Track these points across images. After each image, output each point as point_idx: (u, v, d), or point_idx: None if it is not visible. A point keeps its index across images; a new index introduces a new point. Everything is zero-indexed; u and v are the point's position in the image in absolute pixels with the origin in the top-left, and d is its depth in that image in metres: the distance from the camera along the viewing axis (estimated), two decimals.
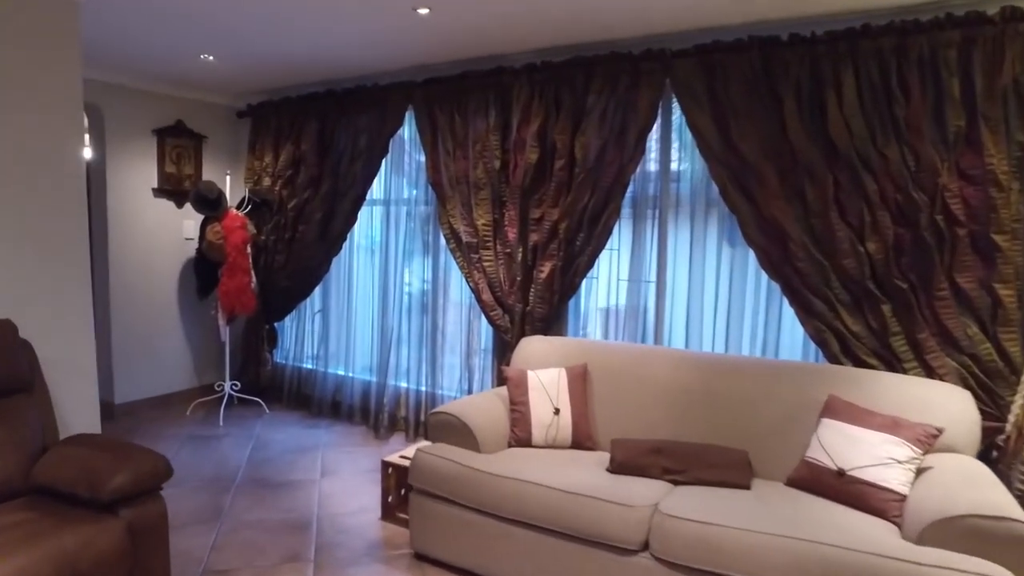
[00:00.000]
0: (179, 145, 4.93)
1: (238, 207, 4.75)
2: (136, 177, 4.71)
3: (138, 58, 4.06)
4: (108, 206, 4.57)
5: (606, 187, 3.51)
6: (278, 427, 4.60)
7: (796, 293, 3.09)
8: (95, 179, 4.61)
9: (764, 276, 3.27)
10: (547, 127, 3.66)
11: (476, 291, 3.95)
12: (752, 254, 3.24)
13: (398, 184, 4.53)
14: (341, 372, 4.87)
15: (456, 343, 4.31)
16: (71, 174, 2.82)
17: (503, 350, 3.93)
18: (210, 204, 4.52)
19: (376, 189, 4.57)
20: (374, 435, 4.47)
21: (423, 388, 4.42)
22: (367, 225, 4.80)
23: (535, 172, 3.67)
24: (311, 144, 4.64)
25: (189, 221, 4.99)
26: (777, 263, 3.12)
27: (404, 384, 4.52)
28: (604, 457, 2.86)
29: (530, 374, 3.11)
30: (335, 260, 4.76)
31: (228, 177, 4.82)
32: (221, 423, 4.62)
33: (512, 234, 3.77)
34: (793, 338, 3.30)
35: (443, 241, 4.15)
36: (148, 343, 4.86)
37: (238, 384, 5.01)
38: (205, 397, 5.06)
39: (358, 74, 4.39)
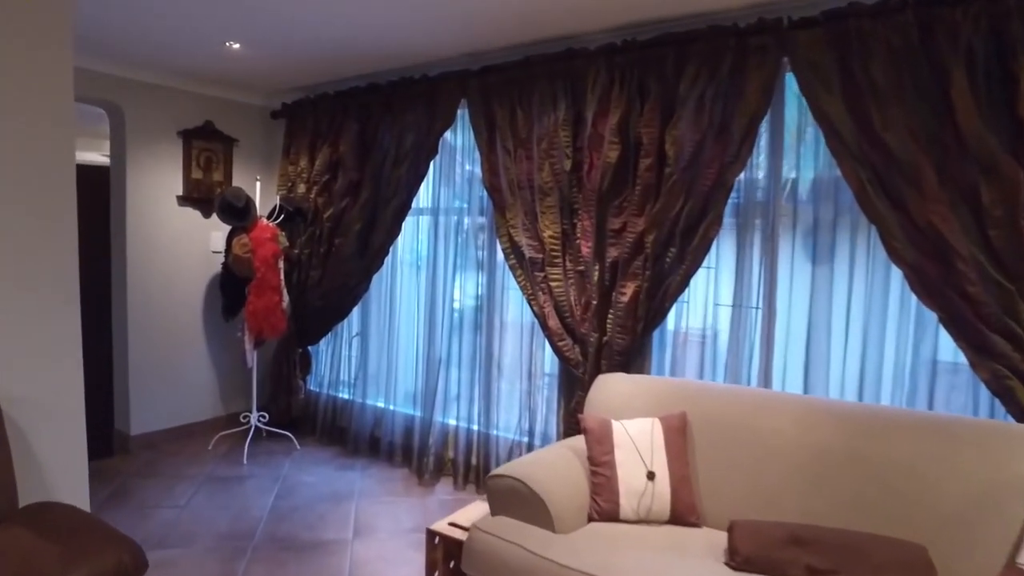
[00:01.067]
0: (208, 148, 4.45)
1: (269, 217, 4.24)
2: (159, 184, 4.24)
3: (159, 48, 3.59)
4: (128, 215, 4.11)
5: (704, 192, 2.85)
6: (308, 467, 4.03)
7: (964, 326, 2.37)
8: (114, 185, 4.16)
9: (912, 302, 2.56)
10: (629, 119, 3.02)
11: (541, 316, 3.32)
12: (897, 274, 2.54)
13: (448, 191, 3.94)
14: (381, 404, 4.29)
15: (514, 376, 3.68)
16: (59, 182, 2.30)
17: (571, 386, 3.28)
18: (237, 213, 4.02)
19: (423, 196, 4.00)
20: (417, 480, 3.86)
21: (475, 427, 3.79)
22: (412, 238, 4.23)
23: (615, 174, 3.04)
24: (350, 146, 4.10)
25: (217, 233, 4.50)
26: (935, 285, 2.41)
27: (452, 421, 3.91)
28: (715, 539, 2.19)
29: (615, 425, 2.46)
30: (376, 277, 4.19)
31: (258, 183, 4.32)
32: (245, 460, 4.08)
33: (586, 248, 3.13)
34: (954, 384, 2.57)
35: (500, 256, 3.54)
36: (169, 368, 4.37)
37: (266, 416, 4.47)
38: (230, 429, 4.54)
39: (404, 64, 3.83)
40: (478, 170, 3.63)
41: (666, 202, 2.89)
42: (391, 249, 4.08)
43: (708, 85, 2.83)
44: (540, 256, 3.29)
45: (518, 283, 3.41)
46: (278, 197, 4.38)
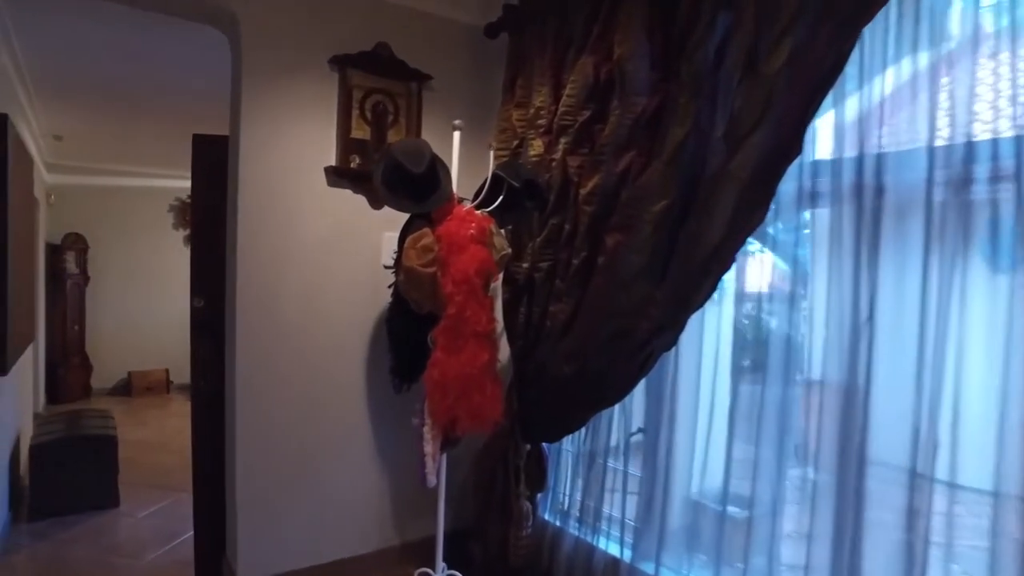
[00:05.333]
0: (379, 90, 2.58)
1: (476, 201, 2.21)
2: (296, 150, 2.43)
3: None
4: (240, 204, 2.34)
5: None
6: None
7: None
8: (230, 159, 2.43)
9: None
10: None
11: None
12: None
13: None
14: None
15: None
16: None
17: None
18: (415, 186, 2.03)
19: (826, 132, 1.69)
20: None
21: None
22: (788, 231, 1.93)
23: None
24: (637, 41, 1.93)
25: (394, 235, 2.58)
26: None
27: None
28: None
29: None
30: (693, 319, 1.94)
31: (457, 134, 2.28)
32: None
33: None
34: None
35: None
36: (301, 470, 2.50)
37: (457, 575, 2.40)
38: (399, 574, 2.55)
39: None
40: None
41: None
42: (737, 256, 1.80)
43: None
44: None
45: None
46: (492, 165, 2.32)
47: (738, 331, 2.07)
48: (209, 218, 2.78)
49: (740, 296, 2.02)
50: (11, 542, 3.48)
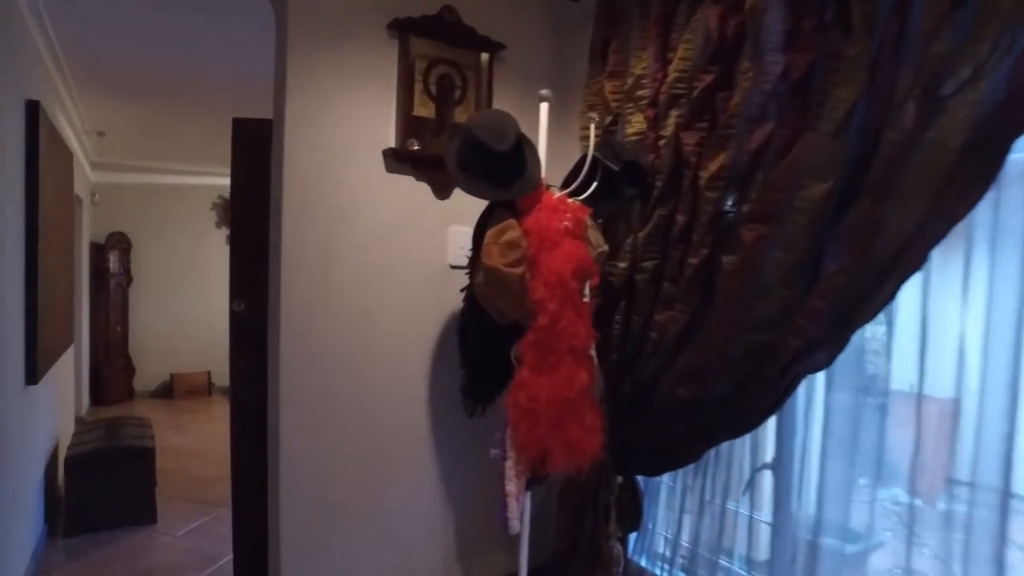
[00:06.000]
0: (445, 60, 2.21)
1: (567, 188, 1.82)
2: (348, 129, 2.08)
3: None
4: (284, 194, 1.99)
5: None
6: None
7: None
8: (274, 142, 2.09)
9: None
10: None
11: None
12: None
13: None
14: None
15: None
16: None
17: None
18: (495, 169, 1.66)
19: None
20: None
21: None
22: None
23: None
24: None
25: (461, 228, 2.22)
26: None
27: None
28: None
29: None
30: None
31: (544, 106, 1.88)
32: None
33: None
34: None
35: None
36: (355, 499, 2.15)
37: None
38: None
39: None
40: None
41: None
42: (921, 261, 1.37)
43: None
44: None
45: None
46: (586, 144, 1.93)
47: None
48: (251, 212, 2.46)
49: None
50: (46, 561, 3.25)
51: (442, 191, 2.20)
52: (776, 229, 1.49)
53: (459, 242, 2.20)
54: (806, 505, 1.77)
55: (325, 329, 2.06)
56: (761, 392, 1.58)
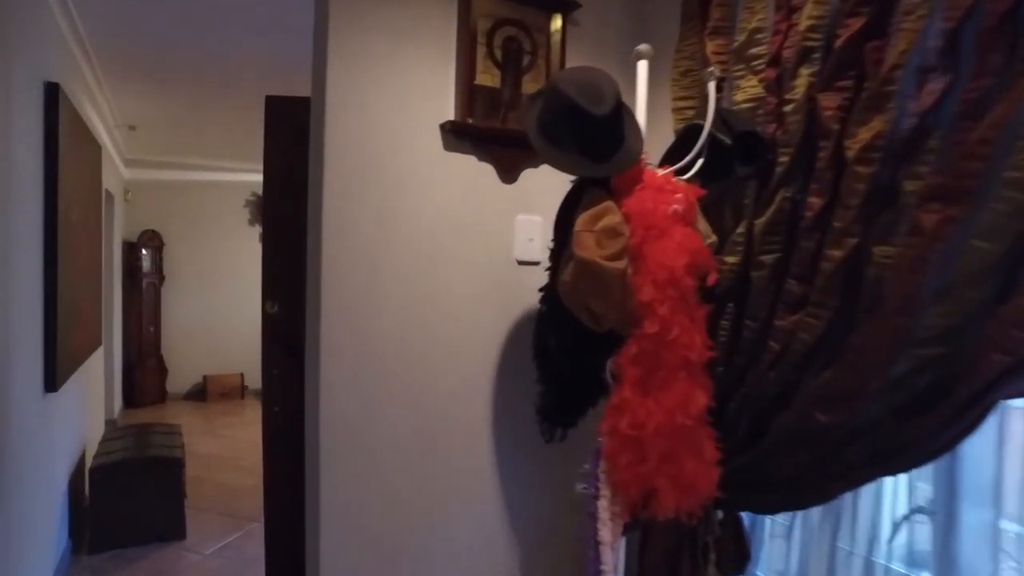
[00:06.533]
0: (512, 20, 1.88)
1: (673, 164, 1.48)
2: (399, 100, 1.76)
3: None
4: (325, 178, 1.69)
5: None
6: None
7: None
8: (314, 121, 1.79)
9: None
10: None
11: None
12: None
13: None
14: None
15: None
16: None
17: None
18: (592, 134, 1.33)
19: None
20: None
21: None
22: None
23: None
24: None
25: (530, 218, 1.89)
26: None
27: None
28: None
29: None
30: None
31: (643, 64, 1.53)
32: None
33: None
34: None
35: None
36: (403, 533, 1.84)
37: None
38: None
39: None
40: None
41: None
42: None
43: None
44: None
45: None
46: (712, 104, 1.58)
47: None
48: (285, 202, 2.20)
49: None
50: None
51: (508, 172, 1.87)
52: (970, 210, 1.13)
53: (528, 233, 1.88)
54: (975, 560, 1.41)
55: (371, 337, 1.75)
56: (940, 425, 1.22)
